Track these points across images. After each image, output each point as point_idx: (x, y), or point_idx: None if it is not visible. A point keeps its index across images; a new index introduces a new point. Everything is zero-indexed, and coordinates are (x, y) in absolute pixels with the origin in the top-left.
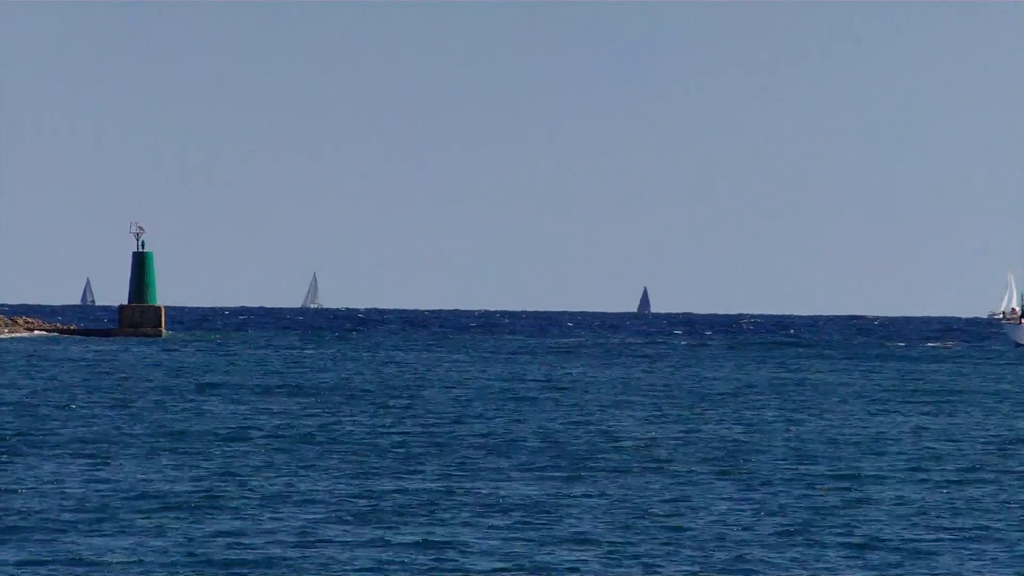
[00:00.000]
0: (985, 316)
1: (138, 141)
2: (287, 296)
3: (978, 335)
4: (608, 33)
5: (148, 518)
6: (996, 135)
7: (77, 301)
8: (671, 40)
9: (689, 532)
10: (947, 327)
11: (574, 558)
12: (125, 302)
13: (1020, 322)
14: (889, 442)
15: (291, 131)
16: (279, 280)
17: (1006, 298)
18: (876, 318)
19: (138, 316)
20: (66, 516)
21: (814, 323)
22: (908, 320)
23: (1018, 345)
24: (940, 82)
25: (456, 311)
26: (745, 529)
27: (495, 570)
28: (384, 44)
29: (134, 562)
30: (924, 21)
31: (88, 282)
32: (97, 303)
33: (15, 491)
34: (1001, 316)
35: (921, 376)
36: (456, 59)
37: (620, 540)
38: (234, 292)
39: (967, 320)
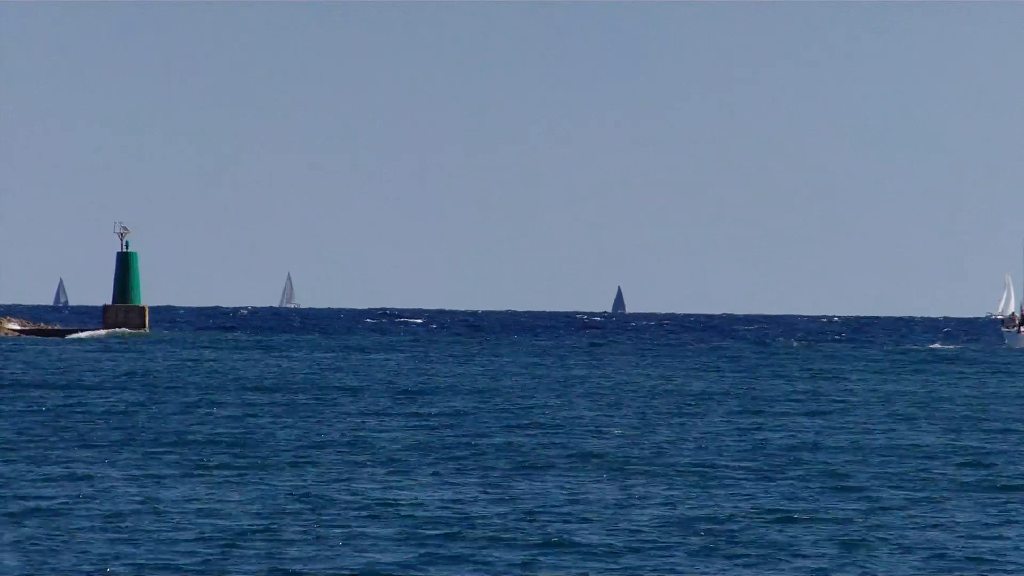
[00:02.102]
0: (983, 316)
1: (112, 142)
2: (268, 296)
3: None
4: (583, 35)
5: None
6: (996, 135)
7: (50, 301)
8: (646, 42)
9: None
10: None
11: None
12: (98, 302)
13: (1019, 330)
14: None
15: (272, 131)
16: (260, 280)
17: (1003, 300)
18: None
19: (122, 316)
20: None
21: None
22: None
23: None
24: (940, 82)
25: (437, 311)
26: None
27: None
28: (359, 45)
29: None
30: (924, 21)
31: (61, 282)
32: (71, 303)
33: None
34: (1000, 317)
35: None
36: (431, 59)
37: None
38: (212, 292)
39: (966, 320)
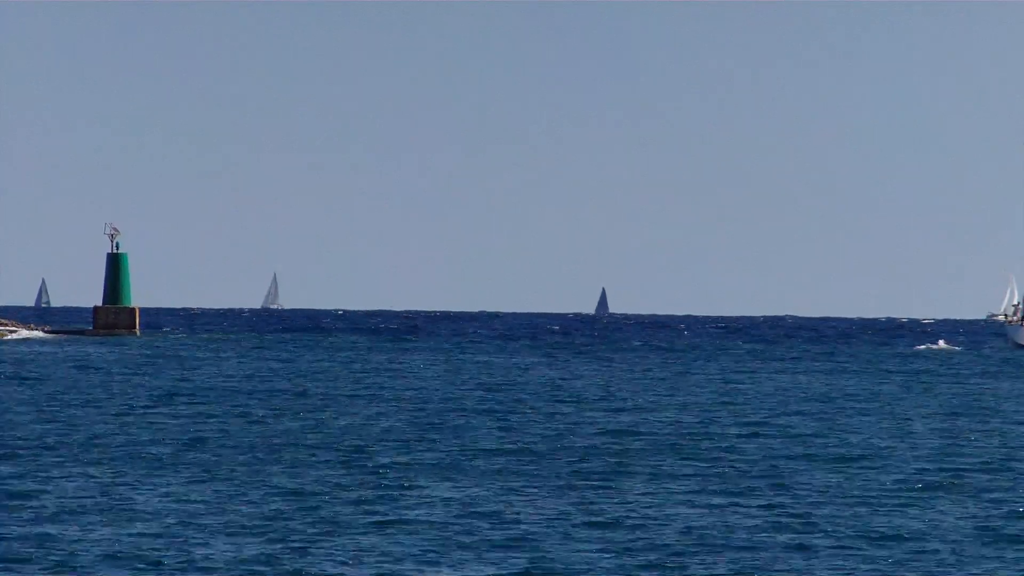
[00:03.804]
0: (984, 317)
1: (98, 143)
2: (251, 297)
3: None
4: (569, 36)
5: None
6: (996, 135)
7: (32, 303)
8: (632, 45)
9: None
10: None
11: None
12: (80, 303)
13: (1022, 323)
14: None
15: (256, 131)
16: (243, 280)
17: (1006, 299)
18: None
19: (113, 317)
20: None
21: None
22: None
23: (1019, 346)
24: (940, 82)
25: (414, 312)
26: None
27: None
28: (348, 47)
29: None
30: (924, 21)
31: (43, 283)
32: (52, 304)
33: None
34: (1002, 317)
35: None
36: (421, 62)
37: None
38: (192, 294)
39: (967, 321)
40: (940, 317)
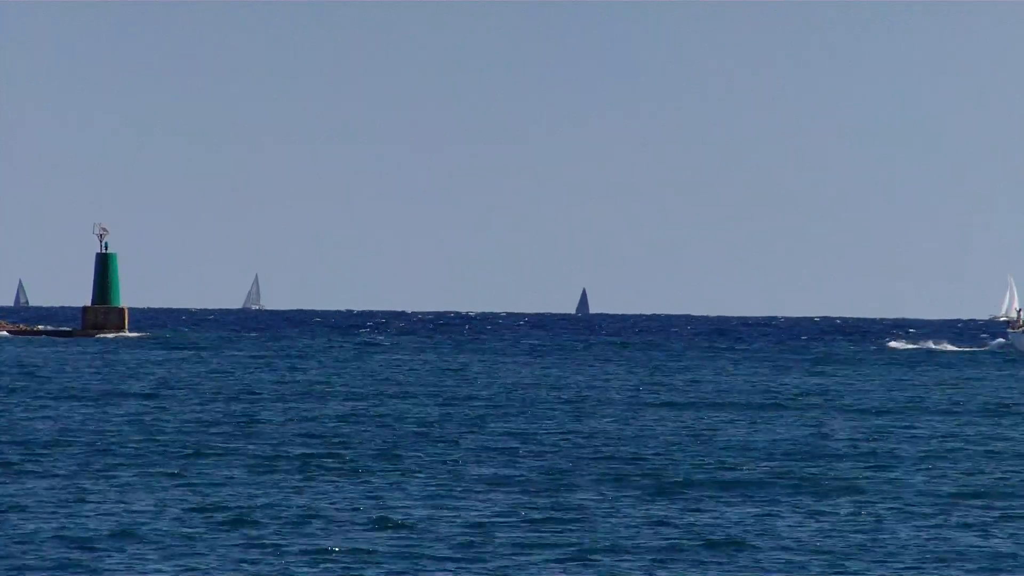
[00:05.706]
0: (986, 318)
1: (76, 143)
2: (233, 297)
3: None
4: (546, 36)
5: None
6: (997, 135)
7: (11, 303)
8: (611, 46)
9: None
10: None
11: None
12: (52, 303)
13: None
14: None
15: (244, 132)
16: (224, 281)
17: (1006, 301)
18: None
19: (102, 317)
20: None
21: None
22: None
23: (1019, 352)
24: (940, 82)
25: (403, 312)
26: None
27: None
28: (328, 50)
29: None
30: (924, 21)
31: (20, 283)
32: (31, 304)
33: None
34: (1005, 320)
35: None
36: (405, 63)
37: None
38: (173, 294)
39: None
40: (939, 317)
